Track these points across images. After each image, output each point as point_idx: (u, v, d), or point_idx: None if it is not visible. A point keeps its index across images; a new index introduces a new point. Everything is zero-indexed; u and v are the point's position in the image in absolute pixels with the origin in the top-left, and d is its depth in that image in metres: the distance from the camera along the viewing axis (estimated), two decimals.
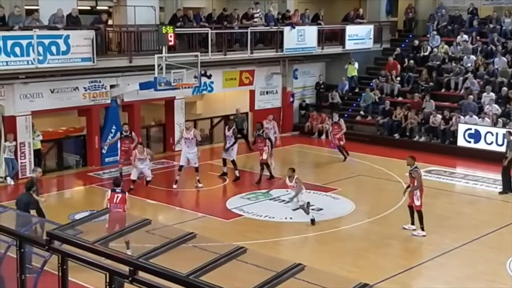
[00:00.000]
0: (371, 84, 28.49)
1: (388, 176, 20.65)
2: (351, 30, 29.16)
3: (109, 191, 13.82)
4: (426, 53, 28.65)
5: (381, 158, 23.08)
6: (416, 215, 15.42)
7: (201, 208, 17.66)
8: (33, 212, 12.87)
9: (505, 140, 19.75)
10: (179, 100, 24.21)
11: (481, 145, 22.96)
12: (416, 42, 29.40)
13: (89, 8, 24.61)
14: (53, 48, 19.69)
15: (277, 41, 26.54)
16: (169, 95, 23.19)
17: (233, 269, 6.87)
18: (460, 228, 16.23)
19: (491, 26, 28.83)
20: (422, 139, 24.88)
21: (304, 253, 14.61)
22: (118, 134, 20.37)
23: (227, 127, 21.11)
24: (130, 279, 6.62)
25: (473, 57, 27.19)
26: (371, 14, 31.33)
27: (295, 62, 28.46)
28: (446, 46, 28.47)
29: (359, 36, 29.50)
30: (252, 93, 27.14)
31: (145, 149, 19.22)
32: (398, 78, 28.04)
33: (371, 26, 30.02)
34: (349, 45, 29.15)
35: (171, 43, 21.08)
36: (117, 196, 13.54)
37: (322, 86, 29.29)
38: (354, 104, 28.27)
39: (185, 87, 22.25)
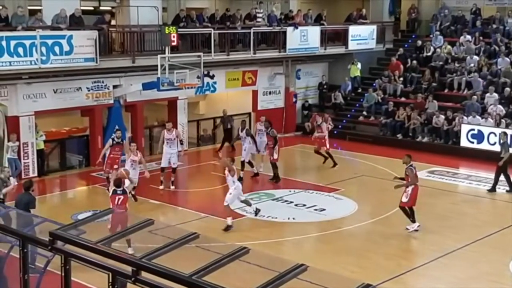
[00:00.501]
0: (374, 84, 28.47)
1: (391, 177, 20.58)
2: (354, 30, 29.15)
3: (111, 192, 13.78)
4: (429, 54, 28.62)
5: (384, 159, 23.06)
6: (403, 212, 15.66)
7: (204, 208, 17.66)
8: (33, 211, 12.87)
9: (500, 141, 19.74)
10: (182, 100, 24.24)
11: (484, 146, 22.93)
12: (419, 42, 29.40)
13: (92, 8, 24.65)
14: (56, 49, 19.74)
15: (280, 42, 26.56)
16: (172, 95, 23.22)
17: (236, 269, 6.86)
18: (463, 228, 16.22)
19: (494, 26, 28.79)
20: (425, 139, 24.86)
21: (307, 253, 14.61)
22: (110, 141, 18.72)
23: (239, 128, 21.11)
24: (133, 279, 6.62)
25: (476, 57, 27.15)
26: (374, 15, 31.32)
27: (298, 62, 28.46)
28: (449, 47, 28.45)
29: (362, 36, 29.49)
30: (255, 93, 27.14)
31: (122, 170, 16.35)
32: (401, 79, 28.01)
33: (374, 27, 30.01)
34: (352, 45, 29.14)
35: (174, 44, 21.10)
36: (119, 198, 13.52)
37: (325, 87, 29.28)
38: (357, 105, 28.25)
39: (188, 87, 22.29)
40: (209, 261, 6.66)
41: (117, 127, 21.44)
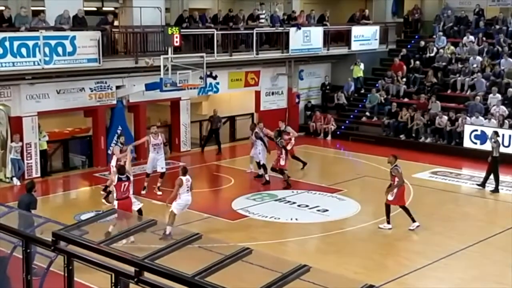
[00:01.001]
0: (377, 85, 28.46)
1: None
2: (357, 31, 29.13)
3: (116, 177, 13.95)
4: (432, 54, 28.60)
5: (387, 159, 22.99)
6: (385, 208, 15.80)
7: (207, 209, 17.64)
8: (34, 212, 12.86)
9: (492, 140, 19.77)
10: (184, 101, 24.25)
11: (487, 147, 22.80)
12: (422, 43, 29.37)
13: (95, 9, 24.65)
14: (59, 49, 19.75)
15: (283, 42, 26.54)
16: (174, 96, 23.23)
17: (238, 270, 6.86)
18: (466, 229, 16.20)
19: (497, 27, 28.75)
20: (428, 140, 24.84)
21: (309, 254, 14.60)
22: (118, 147, 17.86)
23: (250, 131, 20.92)
24: (135, 279, 6.63)
25: (479, 58, 27.12)
26: (377, 15, 31.30)
27: (300, 63, 28.45)
28: (452, 47, 28.42)
29: (365, 37, 29.46)
30: (257, 94, 27.14)
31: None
32: (404, 79, 27.99)
33: (377, 27, 29.99)
34: (355, 46, 29.12)
35: (177, 44, 21.10)
36: (124, 185, 13.79)
37: (327, 87, 29.28)
38: (360, 105, 28.24)
39: (191, 88, 22.29)
40: (212, 262, 6.66)
41: (119, 132, 21.37)
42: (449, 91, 26.75)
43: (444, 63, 27.83)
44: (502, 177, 20.06)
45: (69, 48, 19.93)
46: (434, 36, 29.69)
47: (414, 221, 15.77)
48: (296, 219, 16.68)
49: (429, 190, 19.49)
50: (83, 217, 15.28)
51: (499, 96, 24.58)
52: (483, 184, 19.57)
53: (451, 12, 30.41)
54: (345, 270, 12.80)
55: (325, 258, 14.05)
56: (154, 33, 22.57)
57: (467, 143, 23.53)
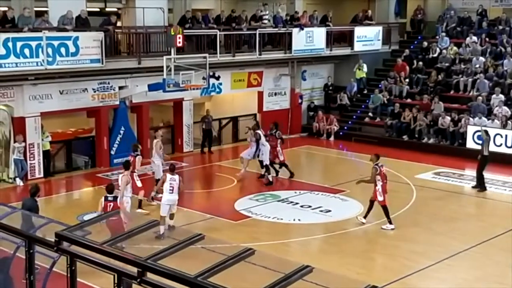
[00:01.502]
0: (380, 85, 28.44)
1: (397, 178, 20.58)
2: (359, 31, 29.12)
3: (102, 198, 13.56)
4: (435, 55, 28.58)
5: (390, 160, 22.94)
6: (374, 208, 16.02)
7: (210, 209, 17.66)
8: None
9: (482, 138, 19.80)
10: (187, 102, 24.26)
11: (490, 147, 22.82)
12: (425, 43, 29.35)
13: (98, 9, 24.68)
14: (62, 50, 19.78)
15: (286, 43, 26.55)
16: (177, 97, 23.22)
17: (241, 270, 6.86)
18: (469, 230, 16.19)
19: (500, 27, 28.71)
20: (431, 140, 24.82)
21: (312, 255, 14.60)
22: (138, 158, 17.27)
23: (252, 131, 20.87)
24: (138, 280, 6.63)
25: (482, 58, 27.09)
26: (380, 16, 31.28)
27: (303, 63, 28.44)
28: (455, 48, 28.39)
29: (367, 37, 29.45)
30: (260, 94, 27.14)
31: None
32: (407, 80, 27.96)
33: (380, 28, 29.97)
34: (358, 46, 29.11)
35: (180, 45, 21.11)
36: (110, 205, 13.21)
37: (330, 88, 29.28)
38: (363, 106, 28.22)
39: (194, 89, 22.30)
40: (215, 262, 6.67)
41: (135, 143, 19.56)
42: (452, 92, 26.72)
43: (447, 64, 27.80)
44: (504, 178, 20.08)
45: (72, 49, 19.96)
46: (437, 37, 29.65)
47: (365, 217, 16.15)
48: (299, 220, 16.68)
49: (432, 191, 19.47)
50: (86, 217, 15.29)
51: (502, 96, 24.55)
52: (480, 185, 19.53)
53: (454, 12, 30.38)
54: (347, 270, 12.81)
55: (328, 258, 14.05)
56: (157, 34, 22.58)
57: (470, 144, 23.48)
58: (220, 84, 25.28)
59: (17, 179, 19.89)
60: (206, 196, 19.75)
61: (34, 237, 8.12)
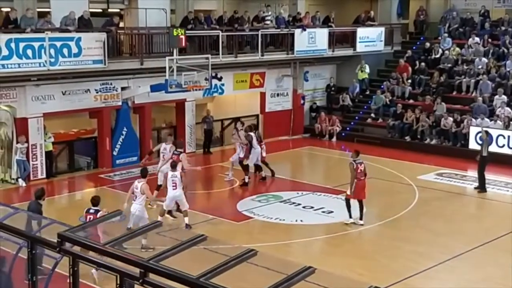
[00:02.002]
0: (382, 86, 28.43)
1: (399, 179, 20.60)
2: (362, 32, 29.11)
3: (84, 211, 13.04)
4: (438, 56, 28.57)
5: (392, 161, 23.03)
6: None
7: (212, 210, 17.66)
8: None
9: (482, 139, 19.77)
10: (190, 102, 24.27)
11: (493, 148, 22.76)
12: (427, 44, 29.33)
13: (100, 10, 24.70)
14: (65, 51, 19.78)
15: (288, 44, 26.54)
16: (180, 97, 23.23)
17: (243, 271, 6.87)
18: (471, 231, 16.17)
19: (503, 28, 28.69)
20: (433, 141, 24.80)
21: (314, 256, 14.60)
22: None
23: (244, 132, 20.87)
24: (140, 281, 6.63)
25: (484, 59, 27.07)
26: (382, 16, 31.27)
27: (306, 64, 28.43)
28: (457, 49, 28.37)
29: (370, 38, 29.43)
30: (262, 95, 27.14)
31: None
32: (409, 81, 27.95)
33: (382, 29, 29.95)
34: (360, 47, 29.09)
35: (182, 46, 21.13)
36: (90, 218, 12.55)
37: (333, 89, 29.26)
38: (365, 107, 28.21)
39: (196, 89, 22.29)
40: (217, 263, 6.66)
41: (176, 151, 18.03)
42: (454, 93, 26.70)
43: (449, 65, 27.78)
44: (507, 179, 20.08)
45: (74, 50, 19.97)
46: (440, 38, 29.64)
47: (361, 218, 16.18)
48: (301, 221, 16.67)
49: (434, 192, 19.46)
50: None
51: (504, 97, 24.53)
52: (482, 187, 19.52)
53: (456, 13, 30.36)
54: (350, 271, 12.81)
55: (330, 259, 14.04)
56: (160, 35, 22.60)
57: (472, 145, 23.44)
58: (223, 85, 25.28)
59: (20, 180, 19.91)
60: (208, 197, 19.75)
61: (37, 237, 8.13)
